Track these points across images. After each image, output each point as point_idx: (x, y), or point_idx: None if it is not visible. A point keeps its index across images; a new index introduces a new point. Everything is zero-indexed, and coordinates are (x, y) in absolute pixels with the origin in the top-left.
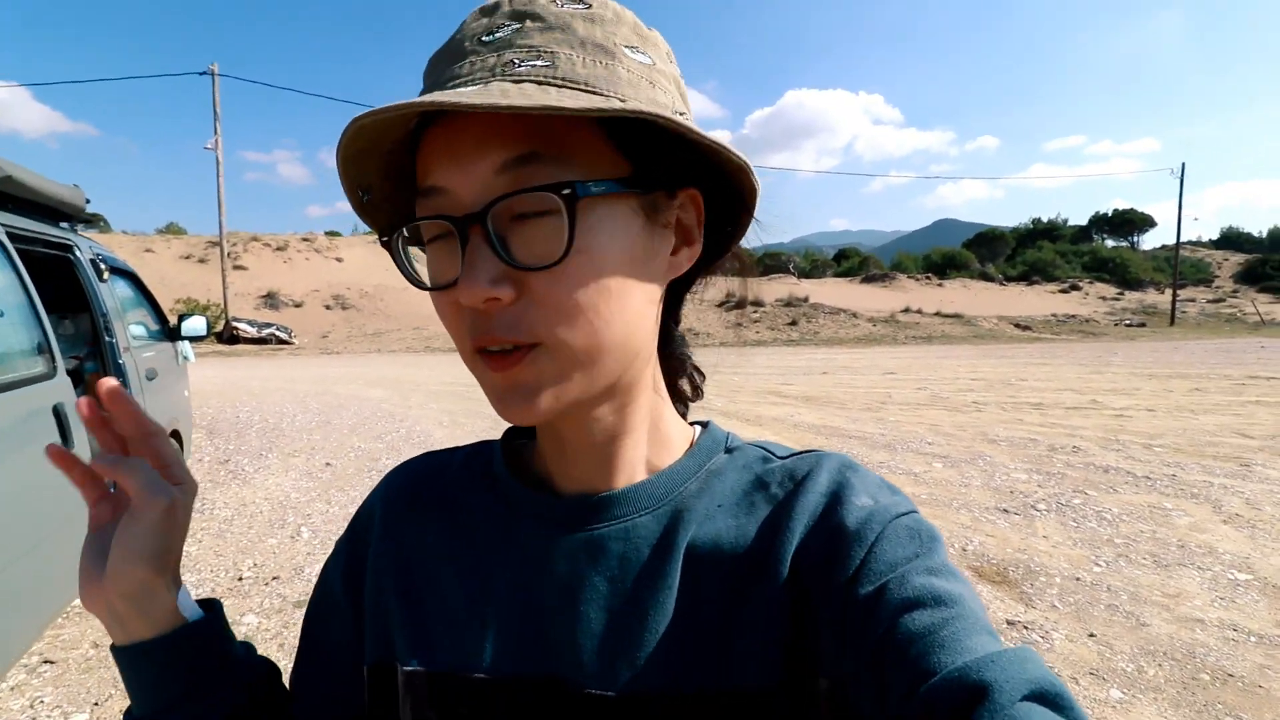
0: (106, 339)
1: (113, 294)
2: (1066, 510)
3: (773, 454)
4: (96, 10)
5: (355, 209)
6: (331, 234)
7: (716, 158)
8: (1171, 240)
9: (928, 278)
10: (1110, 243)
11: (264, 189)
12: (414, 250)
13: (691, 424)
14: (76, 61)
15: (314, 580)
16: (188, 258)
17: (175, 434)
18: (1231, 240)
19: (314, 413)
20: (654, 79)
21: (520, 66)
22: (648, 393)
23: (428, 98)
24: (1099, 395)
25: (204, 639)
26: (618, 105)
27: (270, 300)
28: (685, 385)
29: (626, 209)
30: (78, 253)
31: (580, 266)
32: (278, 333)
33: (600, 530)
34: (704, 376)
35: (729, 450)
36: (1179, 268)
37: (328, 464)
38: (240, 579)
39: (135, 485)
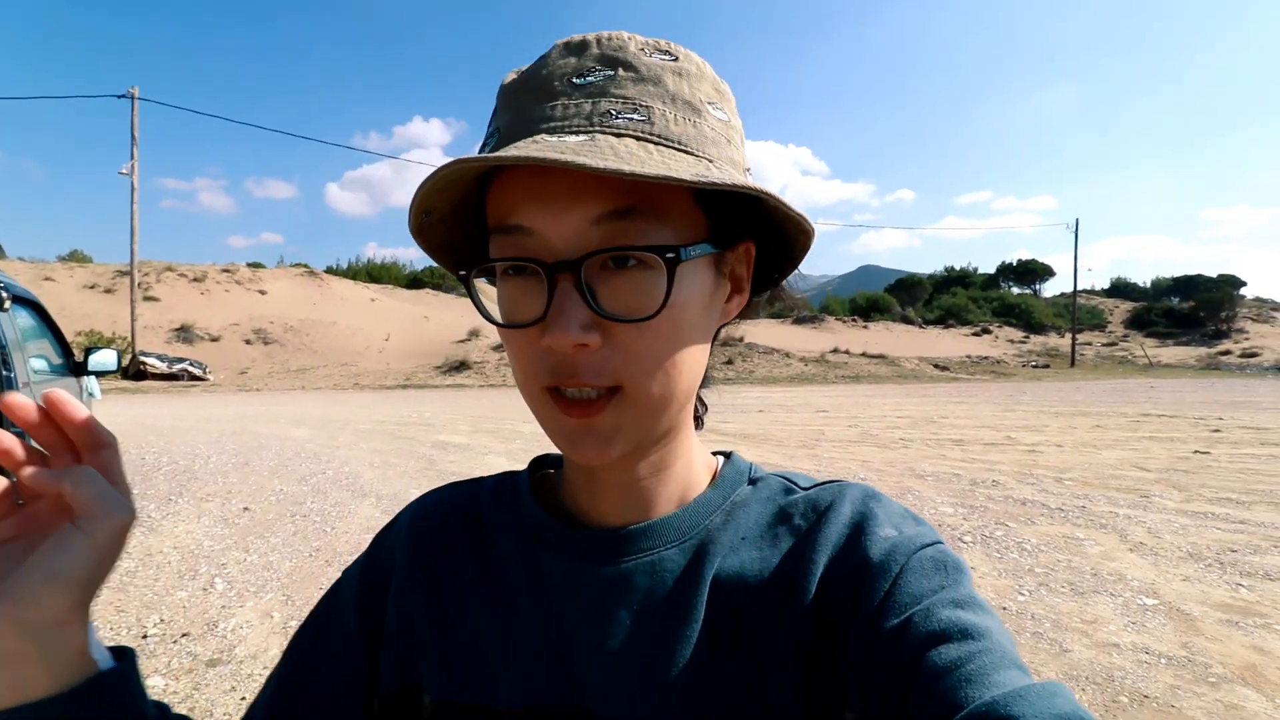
0: (3, 373)
1: (13, 324)
2: (990, 542)
3: (796, 485)
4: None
5: (414, 230)
6: (255, 265)
7: (777, 215)
8: (1069, 288)
9: (854, 320)
10: (1015, 290)
11: (183, 217)
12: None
13: (714, 454)
14: None
15: (228, 637)
16: (92, 287)
17: None
18: (1120, 289)
19: (231, 453)
20: (730, 136)
21: (617, 118)
22: (688, 430)
23: (537, 152)
24: (1013, 432)
25: (115, 696)
26: (718, 178)
27: (184, 334)
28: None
29: (704, 265)
30: None
31: (665, 319)
32: (190, 368)
33: (627, 563)
34: (705, 408)
35: (752, 481)
36: (1077, 314)
37: (246, 508)
38: (145, 636)
39: (88, 495)
